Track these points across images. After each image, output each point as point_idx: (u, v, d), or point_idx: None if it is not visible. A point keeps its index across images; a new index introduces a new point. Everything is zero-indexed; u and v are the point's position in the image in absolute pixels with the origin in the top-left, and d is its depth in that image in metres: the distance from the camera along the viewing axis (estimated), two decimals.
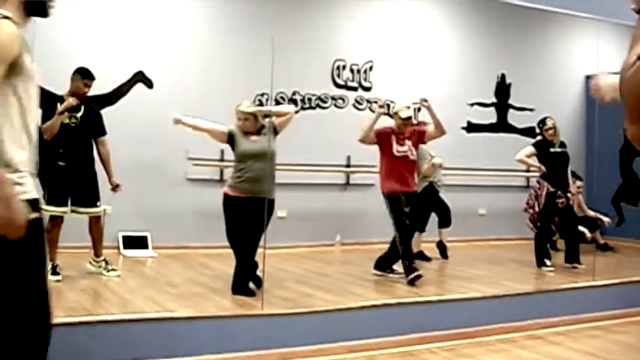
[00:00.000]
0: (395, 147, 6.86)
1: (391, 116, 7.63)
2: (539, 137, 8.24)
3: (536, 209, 7.98)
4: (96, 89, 7.61)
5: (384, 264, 7.05)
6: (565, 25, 11.02)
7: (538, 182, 8.05)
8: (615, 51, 11.27)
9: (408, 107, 7.06)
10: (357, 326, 5.34)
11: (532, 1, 7.69)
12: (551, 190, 7.86)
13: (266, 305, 5.31)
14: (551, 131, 7.97)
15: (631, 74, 1.73)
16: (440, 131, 6.88)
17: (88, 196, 6.35)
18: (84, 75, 6.34)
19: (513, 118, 10.80)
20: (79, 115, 6.32)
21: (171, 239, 8.04)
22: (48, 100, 6.05)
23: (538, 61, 11.05)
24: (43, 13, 2.81)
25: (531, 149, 8.03)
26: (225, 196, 5.97)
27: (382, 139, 6.90)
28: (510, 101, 10.77)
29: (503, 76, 10.70)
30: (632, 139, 1.75)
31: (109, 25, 8.03)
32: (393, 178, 6.87)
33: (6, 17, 2.55)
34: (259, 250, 5.88)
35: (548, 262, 7.77)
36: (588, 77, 11.16)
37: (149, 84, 8.16)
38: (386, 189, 6.94)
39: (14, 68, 2.58)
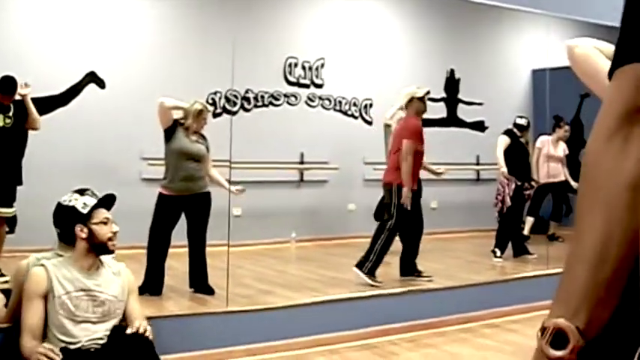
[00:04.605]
0: (421, 144, 6.66)
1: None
2: (510, 128, 8.40)
3: (508, 203, 8.08)
4: (48, 90, 7.58)
5: (407, 267, 6.76)
6: (512, 20, 11.20)
7: (507, 178, 8.13)
8: (563, 45, 11.52)
9: (418, 87, 6.84)
10: (320, 321, 5.40)
11: None
12: (519, 184, 8.04)
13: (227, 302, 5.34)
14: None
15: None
16: None
17: (8, 196, 6.28)
18: (2, 91, 6.17)
19: (463, 112, 10.96)
20: (10, 114, 6.25)
21: (127, 239, 7.94)
22: None
23: (486, 56, 11.23)
24: None
25: (505, 139, 8.20)
26: (160, 195, 6.06)
27: (419, 138, 6.63)
28: (460, 96, 10.92)
29: (452, 71, 10.84)
30: None
31: (61, 24, 7.94)
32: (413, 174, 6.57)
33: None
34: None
35: (499, 253, 7.97)
36: (535, 71, 11.39)
37: (101, 84, 8.08)
38: (400, 181, 6.53)
39: None
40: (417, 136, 6.62)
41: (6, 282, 5.87)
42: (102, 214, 3.64)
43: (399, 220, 6.54)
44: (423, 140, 6.72)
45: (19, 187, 6.37)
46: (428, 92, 6.80)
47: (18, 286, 3.66)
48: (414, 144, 6.54)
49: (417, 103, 6.73)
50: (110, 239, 3.63)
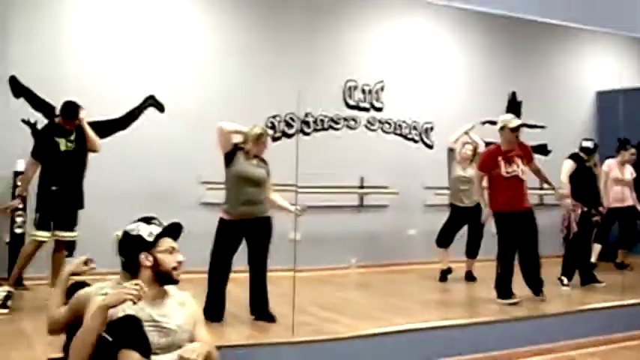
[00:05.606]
0: (503, 168, 6.77)
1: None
2: (576, 152, 8.08)
3: (574, 229, 7.79)
4: (108, 114, 7.57)
5: (502, 289, 6.78)
6: (575, 40, 10.97)
7: (573, 204, 7.82)
8: (633, 66, 11.17)
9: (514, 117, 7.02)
10: (388, 352, 5.25)
11: (546, 16, 7.58)
12: (585, 209, 7.76)
13: (290, 331, 5.20)
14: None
15: None
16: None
17: (70, 220, 6.26)
18: (65, 116, 6.21)
19: (524, 135, 10.65)
20: (72, 137, 6.23)
21: (187, 264, 7.87)
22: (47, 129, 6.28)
23: (548, 78, 11.00)
24: None
25: (571, 163, 7.90)
26: (221, 220, 5.90)
27: (489, 166, 6.86)
28: (522, 119, 10.63)
29: (514, 94, 10.61)
30: None
31: (122, 48, 7.96)
32: (502, 197, 6.78)
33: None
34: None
35: (566, 281, 7.70)
36: (600, 93, 11.09)
37: (160, 108, 8.05)
38: (493, 207, 6.89)
39: None
40: (486, 165, 6.91)
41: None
42: (167, 242, 3.54)
43: (501, 241, 6.80)
44: (508, 162, 6.81)
45: (80, 211, 6.34)
46: (522, 124, 6.98)
47: (73, 311, 3.55)
48: (482, 172, 7.01)
49: (507, 133, 6.84)
50: (175, 269, 3.53)
